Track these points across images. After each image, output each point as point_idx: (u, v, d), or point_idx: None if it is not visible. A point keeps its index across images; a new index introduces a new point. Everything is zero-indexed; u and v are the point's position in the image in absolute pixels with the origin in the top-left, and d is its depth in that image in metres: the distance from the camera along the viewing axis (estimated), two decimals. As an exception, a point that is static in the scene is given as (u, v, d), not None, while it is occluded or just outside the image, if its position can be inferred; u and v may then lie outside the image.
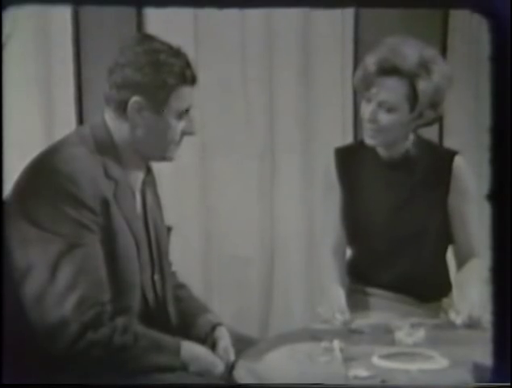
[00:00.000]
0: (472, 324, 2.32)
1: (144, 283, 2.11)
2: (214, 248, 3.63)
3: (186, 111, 2.10)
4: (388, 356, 2.06)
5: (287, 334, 2.34)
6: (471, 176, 2.53)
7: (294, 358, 2.11)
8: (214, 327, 2.23)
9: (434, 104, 2.46)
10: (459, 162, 2.52)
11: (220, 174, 3.60)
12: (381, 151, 2.54)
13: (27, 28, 3.29)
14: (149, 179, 2.22)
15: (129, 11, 3.41)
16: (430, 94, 2.42)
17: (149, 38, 2.11)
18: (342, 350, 2.10)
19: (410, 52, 2.41)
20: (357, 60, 3.48)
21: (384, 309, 2.52)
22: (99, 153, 2.06)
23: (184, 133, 2.12)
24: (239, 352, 2.15)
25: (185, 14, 3.46)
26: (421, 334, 2.20)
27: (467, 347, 2.12)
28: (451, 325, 2.34)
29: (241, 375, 2.00)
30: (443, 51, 3.59)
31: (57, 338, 1.92)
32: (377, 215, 2.54)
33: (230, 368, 2.06)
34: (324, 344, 2.14)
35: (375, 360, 2.06)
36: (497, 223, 1.87)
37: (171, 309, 2.19)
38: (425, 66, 2.41)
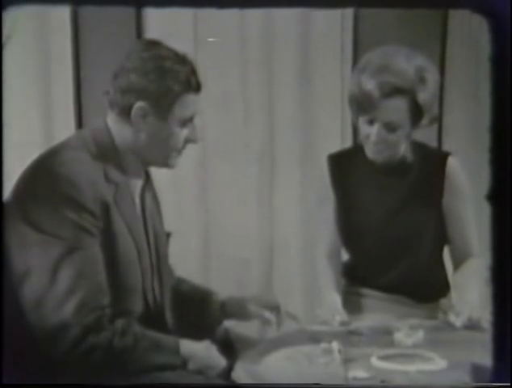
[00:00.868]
0: (471, 326, 2.32)
1: (145, 287, 2.10)
2: (213, 251, 3.64)
3: (191, 118, 2.09)
4: (387, 358, 2.06)
5: (285, 335, 2.33)
6: (465, 176, 2.54)
7: (293, 359, 2.10)
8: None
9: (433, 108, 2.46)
10: (452, 163, 2.53)
11: (219, 177, 3.60)
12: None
13: (27, 28, 3.29)
14: (148, 185, 2.21)
15: (129, 11, 3.41)
16: (430, 103, 2.43)
17: (156, 44, 2.10)
18: (340, 351, 2.09)
19: (405, 66, 2.40)
20: (356, 60, 3.47)
21: (381, 310, 2.52)
22: (100, 156, 2.05)
23: (187, 141, 2.11)
24: (239, 353, 2.15)
25: (185, 14, 3.46)
26: (420, 335, 2.19)
27: (467, 348, 2.12)
28: (450, 326, 2.34)
29: (240, 376, 1.99)
30: (443, 51, 3.59)
31: (57, 341, 1.92)
32: (372, 218, 2.54)
33: (229, 369, 2.06)
34: (323, 346, 2.13)
35: (374, 361, 2.05)
36: (497, 223, 1.87)
37: (168, 314, 2.18)
38: (421, 78, 2.40)
